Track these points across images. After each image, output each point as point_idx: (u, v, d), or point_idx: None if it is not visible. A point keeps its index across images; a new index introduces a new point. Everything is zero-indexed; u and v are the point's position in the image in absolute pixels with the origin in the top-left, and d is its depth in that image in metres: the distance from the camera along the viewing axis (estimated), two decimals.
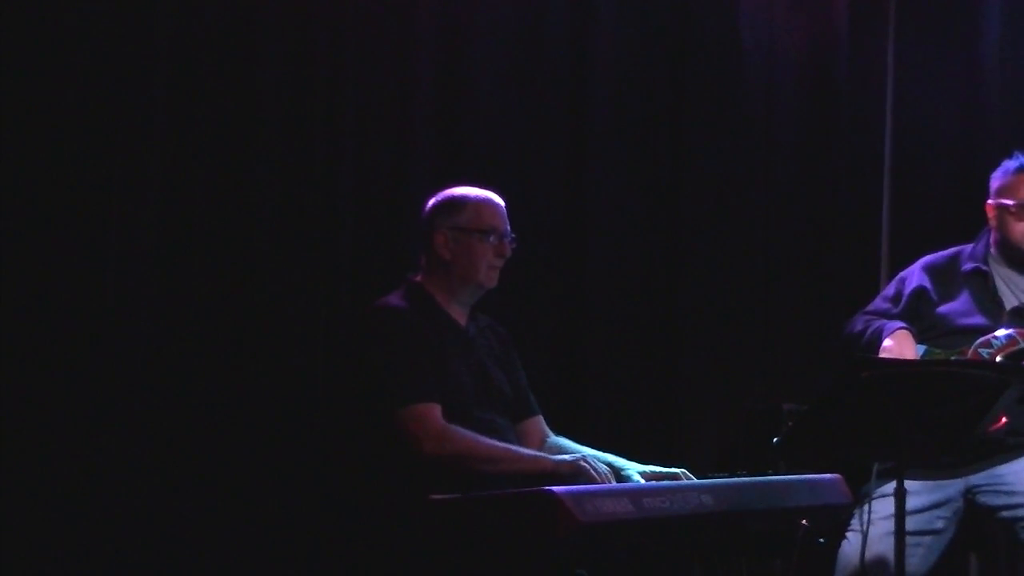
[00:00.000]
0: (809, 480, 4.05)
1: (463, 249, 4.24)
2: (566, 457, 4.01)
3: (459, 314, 4.29)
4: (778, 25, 5.86)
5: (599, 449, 4.23)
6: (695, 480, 4.01)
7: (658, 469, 4.08)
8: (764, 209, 5.80)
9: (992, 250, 4.94)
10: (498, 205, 4.31)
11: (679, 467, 4.07)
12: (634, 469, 4.07)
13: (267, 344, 4.89)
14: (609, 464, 4.08)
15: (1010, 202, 4.89)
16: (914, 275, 5.02)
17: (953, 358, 4.72)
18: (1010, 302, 4.90)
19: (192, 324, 4.80)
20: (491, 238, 4.25)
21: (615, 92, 5.57)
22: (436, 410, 4.03)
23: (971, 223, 5.04)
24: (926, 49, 5.98)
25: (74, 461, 4.55)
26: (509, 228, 4.29)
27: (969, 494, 4.74)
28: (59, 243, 4.60)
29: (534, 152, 5.42)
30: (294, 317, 4.94)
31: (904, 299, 4.97)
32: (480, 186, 4.36)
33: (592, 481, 3.86)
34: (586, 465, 3.91)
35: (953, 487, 4.74)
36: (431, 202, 4.33)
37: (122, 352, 4.68)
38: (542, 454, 4.10)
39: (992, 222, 4.93)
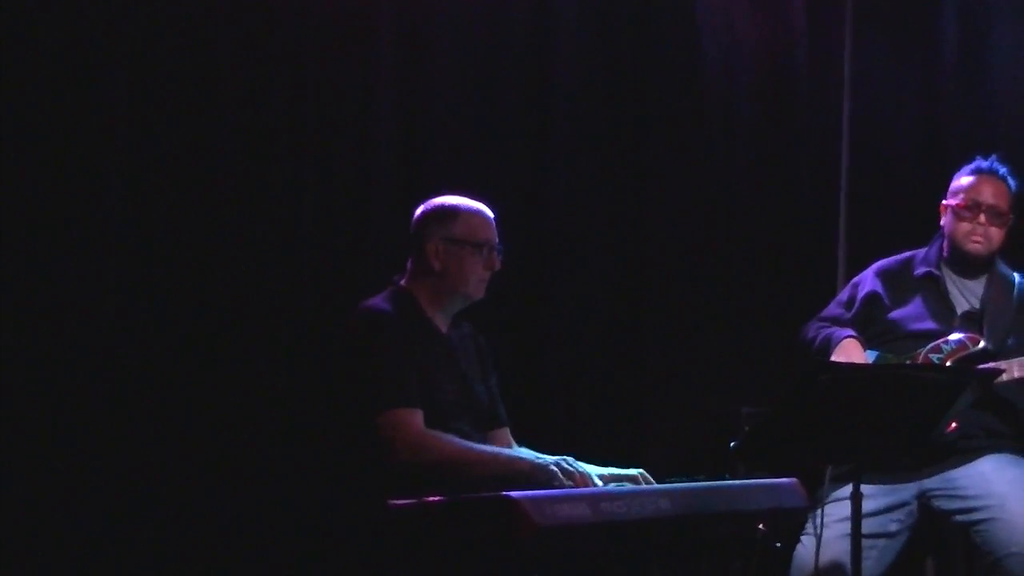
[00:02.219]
0: (767, 484, 4.07)
1: (455, 260, 4.24)
2: (547, 459, 4.01)
3: (442, 321, 4.30)
4: (736, 28, 5.88)
5: (558, 452, 4.24)
6: (653, 484, 4.03)
7: (616, 471, 4.10)
8: (723, 212, 5.82)
9: (944, 254, 4.97)
10: (490, 218, 4.32)
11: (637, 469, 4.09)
12: (593, 472, 4.08)
13: (241, 348, 4.90)
14: None
15: (954, 201, 4.93)
16: (867, 280, 5.05)
17: (907, 362, 4.75)
18: (961, 306, 4.93)
19: (171, 326, 4.81)
20: (483, 251, 4.26)
21: (576, 98, 5.58)
22: (417, 416, 4.03)
23: (928, 227, 5.07)
24: (884, 51, 6.01)
25: (38, 467, 4.53)
26: (498, 240, 4.30)
27: (923, 498, 4.77)
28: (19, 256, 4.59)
29: (496, 158, 5.43)
30: (265, 319, 4.95)
31: (857, 304, 5.00)
32: (444, 193, 4.36)
33: (563, 486, 3.87)
34: (555, 470, 3.92)
35: (907, 491, 4.78)
36: (423, 209, 4.32)
37: (105, 352, 4.67)
38: (520, 455, 4.10)
39: (942, 221, 4.97)
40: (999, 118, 6.01)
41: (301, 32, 5.07)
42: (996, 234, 4.91)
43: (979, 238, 4.89)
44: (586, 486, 3.92)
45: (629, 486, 3.98)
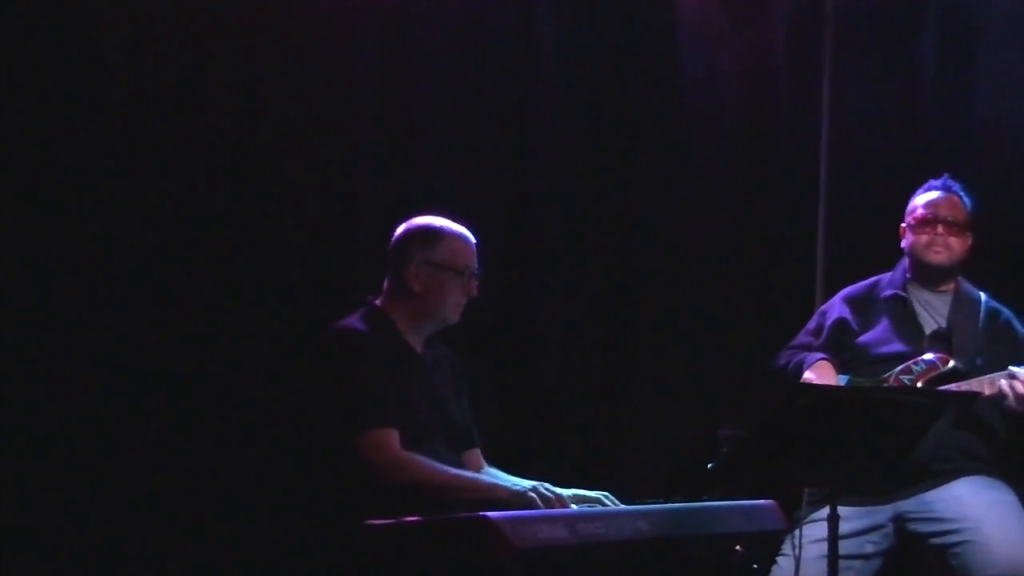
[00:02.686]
0: (744, 506, 4.07)
1: (435, 284, 4.22)
2: (524, 485, 4.00)
3: (416, 342, 4.29)
4: (717, 51, 5.89)
5: (535, 473, 4.23)
6: (631, 506, 4.02)
7: (581, 492, 4.10)
8: (703, 235, 5.83)
9: (908, 274, 5.00)
10: (472, 243, 4.30)
11: (610, 491, 4.09)
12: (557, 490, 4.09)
13: (222, 366, 4.89)
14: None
15: (911, 218, 4.97)
16: (834, 307, 5.08)
17: (883, 385, 4.76)
18: (929, 326, 4.96)
19: (153, 344, 4.82)
20: (463, 277, 4.24)
21: (557, 119, 5.60)
22: (395, 436, 4.02)
23: None
24: (863, 74, 6.03)
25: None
26: (478, 266, 4.29)
27: (899, 520, 4.79)
28: None
29: (479, 179, 5.45)
30: (246, 336, 4.95)
31: (825, 331, 5.02)
32: (429, 214, 4.35)
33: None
34: (534, 496, 3.91)
35: (883, 513, 4.78)
36: (405, 229, 4.29)
37: (91, 367, 4.66)
38: (499, 482, 4.10)
39: (903, 243, 5.00)
40: (977, 141, 6.03)
41: (285, 48, 5.10)
42: (957, 244, 4.95)
43: (940, 248, 4.94)
44: (563, 507, 3.92)
45: (605, 507, 4.00)
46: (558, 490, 4.04)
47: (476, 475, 4.13)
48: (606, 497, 4.09)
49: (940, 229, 4.94)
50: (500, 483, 4.06)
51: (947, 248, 4.94)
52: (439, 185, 5.30)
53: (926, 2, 6.04)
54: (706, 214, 5.85)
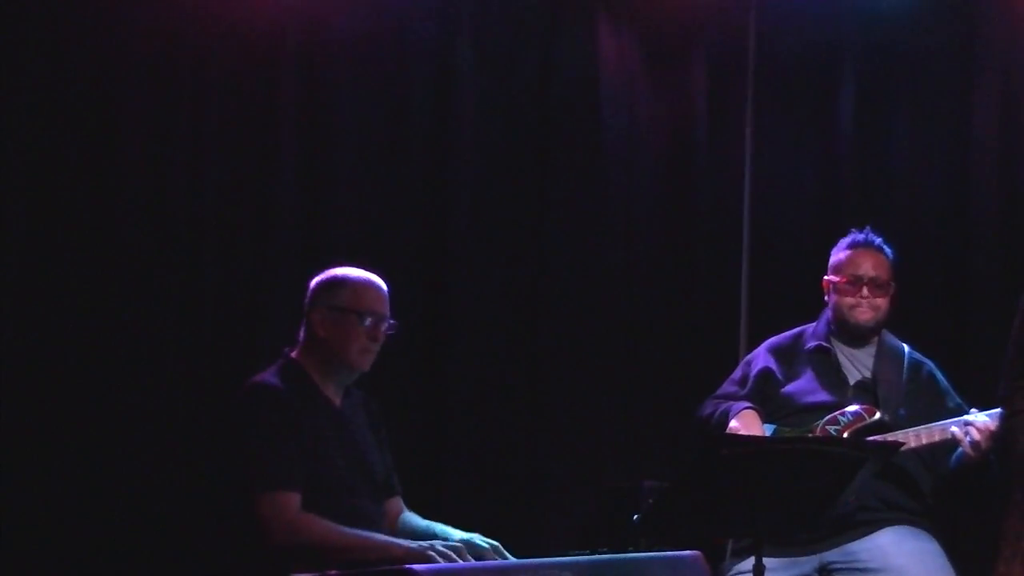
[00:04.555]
0: (669, 557, 4.07)
1: (338, 328, 4.23)
2: (421, 544, 3.98)
3: (333, 393, 4.27)
4: (639, 104, 5.93)
5: (459, 524, 4.23)
6: (509, 558, 4.05)
7: (476, 540, 4.10)
8: (624, 286, 5.84)
9: (832, 326, 5.03)
10: (379, 289, 4.30)
11: (536, 542, 4.08)
12: (454, 535, 4.12)
13: (134, 420, 4.84)
14: (434, 534, 4.15)
15: (836, 278, 5.00)
16: (759, 357, 5.10)
17: (808, 435, 4.78)
18: (853, 376, 4.99)
19: (63, 395, 4.76)
20: (367, 321, 4.23)
21: (477, 174, 5.60)
22: (294, 499, 4.00)
23: None
24: (783, 131, 6.09)
25: None
26: (389, 314, 4.28)
27: (824, 571, 4.80)
28: None
29: (397, 226, 5.44)
30: (161, 391, 4.90)
31: (751, 381, 5.04)
32: (345, 262, 4.35)
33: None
34: (433, 555, 3.89)
35: (808, 564, 4.79)
36: (315, 280, 4.33)
37: None
38: (394, 540, 4.06)
39: (826, 297, 5.03)
40: (895, 195, 6.11)
41: (202, 95, 5.06)
42: (882, 303, 4.98)
43: (866, 309, 4.96)
44: (461, 557, 3.91)
45: (513, 560, 4.03)
46: (451, 530, 4.05)
47: (371, 534, 4.05)
48: (496, 548, 4.10)
49: (865, 291, 4.96)
50: (395, 542, 4.02)
51: (873, 308, 4.97)
52: (356, 234, 5.29)
53: (845, 56, 6.12)
54: (629, 266, 5.86)
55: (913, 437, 4.75)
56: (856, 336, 4.99)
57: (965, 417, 4.74)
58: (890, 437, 4.75)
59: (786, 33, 6.04)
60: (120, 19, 4.95)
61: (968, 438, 4.68)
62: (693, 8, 5.94)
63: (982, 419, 4.70)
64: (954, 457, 4.79)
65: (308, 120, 5.30)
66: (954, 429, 4.72)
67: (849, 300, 4.97)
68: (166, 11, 5.02)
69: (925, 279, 5.97)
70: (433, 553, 3.88)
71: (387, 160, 5.45)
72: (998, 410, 4.62)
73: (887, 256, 5.03)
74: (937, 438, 4.74)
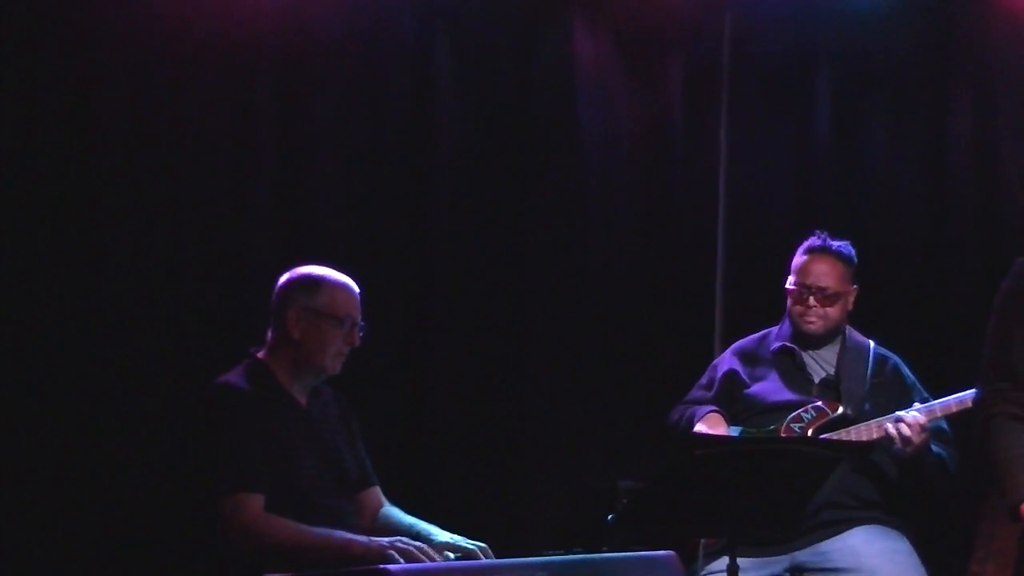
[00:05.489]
0: (644, 557, 4.08)
1: (313, 332, 4.21)
2: (382, 541, 3.97)
3: (300, 393, 4.26)
4: (615, 105, 5.93)
5: (436, 524, 4.24)
6: (493, 559, 4.06)
7: (460, 542, 4.12)
8: (601, 287, 5.85)
9: (791, 329, 5.05)
10: (355, 293, 4.29)
11: (510, 542, 4.09)
12: (438, 535, 4.13)
13: (107, 419, 4.83)
14: (417, 533, 4.13)
15: (790, 284, 5.02)
16: (724, 360, 5.15)
17: (777, 436, 4.80)
18: (818, 375, 5.03)
19: (36, 393, 4.74)
20: (344, 326, 4.23)
21: (455, 177, 5.60)
22: (255, 501, 4.00)
23: None
24: (759, 129, 6.11)
25: None
26: (360, 317, 4.28)
27: (796, 570, 4.82)
28: None
29: (375, 231, 5.43)
30: (134, 392, 4.89)
31: (716, 384, 5.08)
32: (324, 264, 4.34)
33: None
34: (393, 553, 3.89)
35: (779, 563, 4.82)
36: (287, 277, 4.30)
37: None
38: (354, 538, 4.04)
39: (788, 301, 5.05)
40: (870, 196, 6.13)
41: (180, 99, 5.06)
42: (831, 312, 4.98)
43: (813, 319, 4.98)
44: (428, 557, 3.91)
45: (488, 560, 4.03)
46: (434, 529, 4.05)
47: (330, 532, 4.03)
48: (483, 549, 4.10)
49: (811, 301, 4.98)
50: (354, 539, 4.01)
51: (820, 317, 4.98)
52: (335, 236, 5.29)
53: (820, 58, 6.14)
54: (605, 267, 5.87)
55: (855, 433, 4.79)
56: (808, 343, 5.01)
57: (897, 413, 4.77)
58: (853, 432, 4.78)
59: (761, 35, 6.05)
60: (98, 17, 4.94)
61: (899, 434, 4.72)
62: (669, 10, 5.94)
63: (912, 415, 4.74)
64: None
65: (286, 121, 5.30)
66: (887, 426, 4.76)
67: (798, 308, 5.00)
68: (143, 12, 5.01)
69: (901, 280, 5.99)
70: (393, 552, 3.88)
71: (366, 161, 5.45)
72: (928, 404, 4.69)
73: (842, 262, 5.01)
74: (875, 435, 4.77)
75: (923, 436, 4.72)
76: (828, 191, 6.14)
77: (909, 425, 4.72)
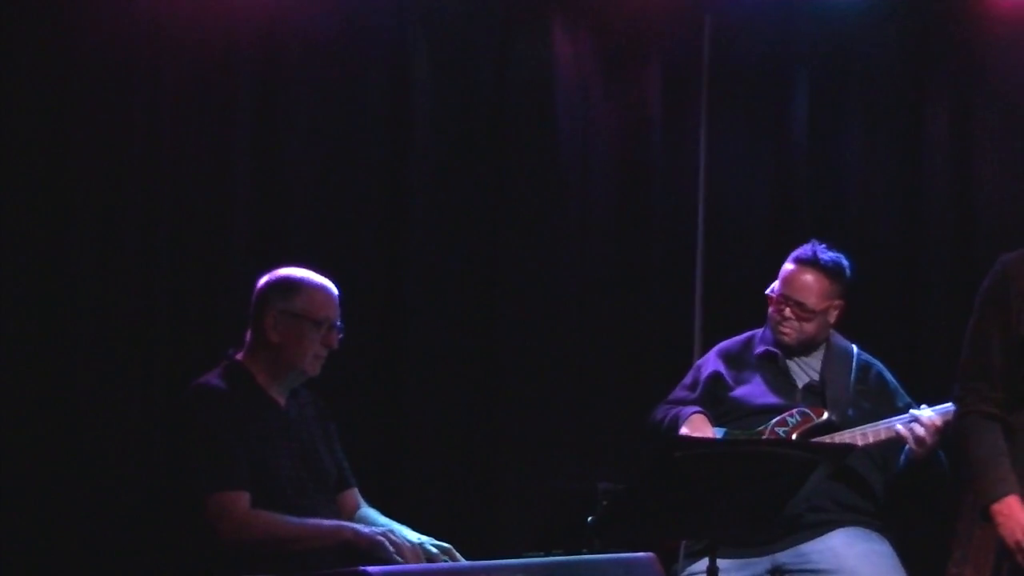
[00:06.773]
0: (624, 559, 4.08)
1: (292, 334, 4.20)
2: (375, 530, 3.98)
3: (278, 395, 4.25)
4: (594, 109, 5.93)
5: (407, 526, 4.23)
6: (461, 560, 4.05)
7: (428, 542, 4.09)
8: (579, 290, 5.85)
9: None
10: (333, 295, 4.29)
11: (490, 544, 4.09)
12: (409, 536, 4.09)
13: (86, 421, 4.81)
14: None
15: (773, 291, 5.02)
16: (709, 362, 5.13)
17: (760, 438, 4.80)
18: (802, 380, 5.02)
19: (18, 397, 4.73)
20: (322, 328, 4.22)
21: (433, 179, 5.60)
22: (242, 498, 3.99)
23: None
24: (737, 132, 6.11)
25: None
26: (339, 319, 4.27)
27: (777, 572, 4.83)
28: None
29: (353, 234, 5.43)
30: (113, 393, 4.87)
31: (700, 385, 5.06)
32: (301, 265, 4.33)
33: (390, 559, 3.86)
34: (383, 540, 3.89)
35: (761, 564, 4.82)
36: (265, 280, 4.29)
37: None
38: (344, 523, 4.06)
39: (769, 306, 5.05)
40: (848, 199, 6.14)
41: (156, 100, 5.04)
42: (808, 327, 4.95)
43: (787, 329, 4.96)
44: (417, 557, 3.91)
45: (467, 562, 4.03)
46: (413, 537, 4.05)
47: (319, 520, 4.05)
48: (448, 551, 4.10)
49: (787, 312, 4.97)
50: (345, 524, 4.03)
51: (796, 330, 4.96)
52: (312, 241, 5.28)
53: (798, 62, 6.15)
54: (584, 268, 5.87)
55: (860, 436, 4.79)
56: (791, 350, 5.02)
57: (912, 412, 4.77)
58: (837, 437, 4.79)
59: (740, 38, 6.06)
60: (74, 16, 4.92)
61: (913, 434, 4.73)
62: (648, 12, 5.94)
63: (928, 414, 4.75)
64: (903, 455, 4.83)
65: (263, 122, 5.29)
66: (899, 427, 4.77)
67: (775, 316, 4.99)
68: (120, 12, 4.99)
69: (878, 283, 6.00)
70: (384, 540, 3.87)
71: (342, 161, 5.45)
72: (944, 405, 4.68)
73: (828, 277, 4.96)
74: (884, 436, 4.78)
75: (937, 437, 4.72)
76: (806, 193, 6.14)
77: (925, 426, 4.72)
